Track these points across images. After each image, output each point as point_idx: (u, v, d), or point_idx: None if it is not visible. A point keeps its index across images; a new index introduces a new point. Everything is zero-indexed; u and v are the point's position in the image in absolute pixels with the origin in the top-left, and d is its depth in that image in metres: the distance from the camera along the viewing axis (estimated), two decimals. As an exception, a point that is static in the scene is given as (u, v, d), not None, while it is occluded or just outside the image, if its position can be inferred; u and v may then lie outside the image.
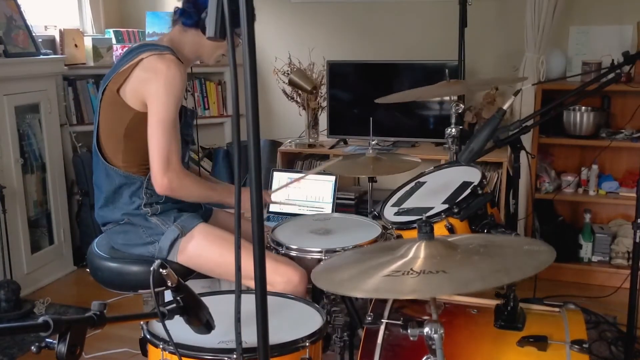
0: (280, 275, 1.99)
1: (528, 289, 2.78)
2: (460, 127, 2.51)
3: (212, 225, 2.16)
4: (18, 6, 3.54)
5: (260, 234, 1.09)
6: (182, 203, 2.17)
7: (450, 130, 2.49)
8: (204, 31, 2.10)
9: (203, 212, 2.33)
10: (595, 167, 3.53)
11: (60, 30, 3.93)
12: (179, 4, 2.13)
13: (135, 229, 2.10)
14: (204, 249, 2.07)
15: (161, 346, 1.51)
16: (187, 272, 2.11)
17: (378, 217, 2.20)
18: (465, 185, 2.06)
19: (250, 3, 1.00)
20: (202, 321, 1.34)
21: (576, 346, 1.46)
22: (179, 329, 1.39)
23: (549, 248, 1.32)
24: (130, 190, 2.08)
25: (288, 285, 1.99)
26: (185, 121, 2.15)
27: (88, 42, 3.98)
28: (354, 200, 3.76)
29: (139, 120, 2.01)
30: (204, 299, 1.36)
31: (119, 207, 2.10)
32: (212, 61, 2.24)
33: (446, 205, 1.96)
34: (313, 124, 3.89)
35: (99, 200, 2.15)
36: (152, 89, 1.97)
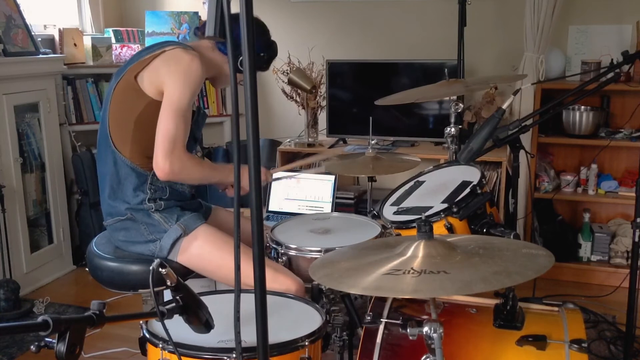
0: (279, 284, 1.99)
1: (527, 288, 2.78)
2: (460, 126, 2.51)
3: (212, 225, 2.16)
4: (17, 5, 3.54)
5: (260, 234, 1.09)
6: (184, 201, 2.17)
7: (450, 130, 2.49)
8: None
9: (204, 212, 2.33)
10: (594, 166, 3.54)
11: (59, 30, 3.93)
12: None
13: (136, 225, 2.09)
14: (206, 251, 2.07)
15: (160, 345, 1.52)
16: (186, 272, 2.11)
17: (377, 216, 2.20)
18: (464, 184, 2.07)
19: (249, 5, 0.99)
20: (201, 320, 1.34)
21: (575, 345, 1.46)
22: (179, 328, 1.39)
23: (547, 252, 1.32)
24: (135, 183, 2.06)
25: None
26: (197, 121, 2.16)
27: (87, 42, 3.98)
28: (354, 200, 3.76)
29: (152, 109, 1.99)
30: (204, 298, 1.36)
31: (122, 200, 2.09)
32: (222, 87, 2.30)
33: (445, 205, 1.97)
34: (312, 123, 3.89)
35: (104, 189, 2.13)
36: (171, 76, 1.96)
